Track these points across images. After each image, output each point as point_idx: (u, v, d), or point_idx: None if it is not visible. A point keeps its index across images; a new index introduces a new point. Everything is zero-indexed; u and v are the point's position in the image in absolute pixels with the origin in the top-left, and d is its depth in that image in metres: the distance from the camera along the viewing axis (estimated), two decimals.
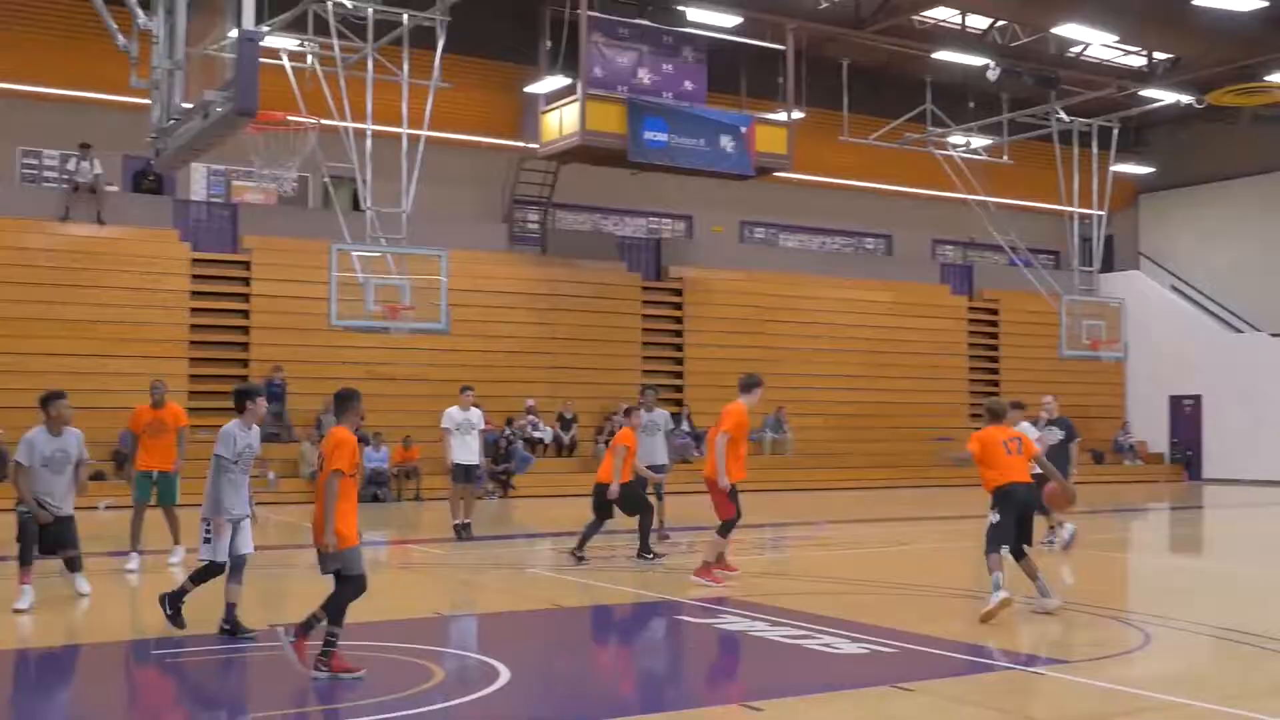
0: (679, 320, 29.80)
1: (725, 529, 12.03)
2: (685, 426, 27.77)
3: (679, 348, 29.64)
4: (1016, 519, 10.36)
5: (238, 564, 8.83)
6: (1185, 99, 28.12)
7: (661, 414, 16.87)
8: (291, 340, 24.65)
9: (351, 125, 20.54)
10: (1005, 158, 30.04)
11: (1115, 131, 28.20)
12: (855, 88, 28.88)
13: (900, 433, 30.83)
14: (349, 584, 7.59)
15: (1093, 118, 28.32)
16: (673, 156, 25.37)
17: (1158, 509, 26.05)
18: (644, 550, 13.35)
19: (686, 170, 26.28)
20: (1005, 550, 10.22)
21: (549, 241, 28.94)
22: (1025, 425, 15.16)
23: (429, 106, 20.92)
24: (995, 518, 10.45)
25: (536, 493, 24.00)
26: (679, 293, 29.92)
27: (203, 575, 8.86)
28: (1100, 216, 28.24)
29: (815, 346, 30.92)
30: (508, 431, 24.58)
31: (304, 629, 7.66)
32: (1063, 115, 28.06)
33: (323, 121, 20.45)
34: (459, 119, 27.09)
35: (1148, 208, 37.63)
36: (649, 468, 16.05)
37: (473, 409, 15.68)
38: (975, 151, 29.91)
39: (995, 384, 34.12)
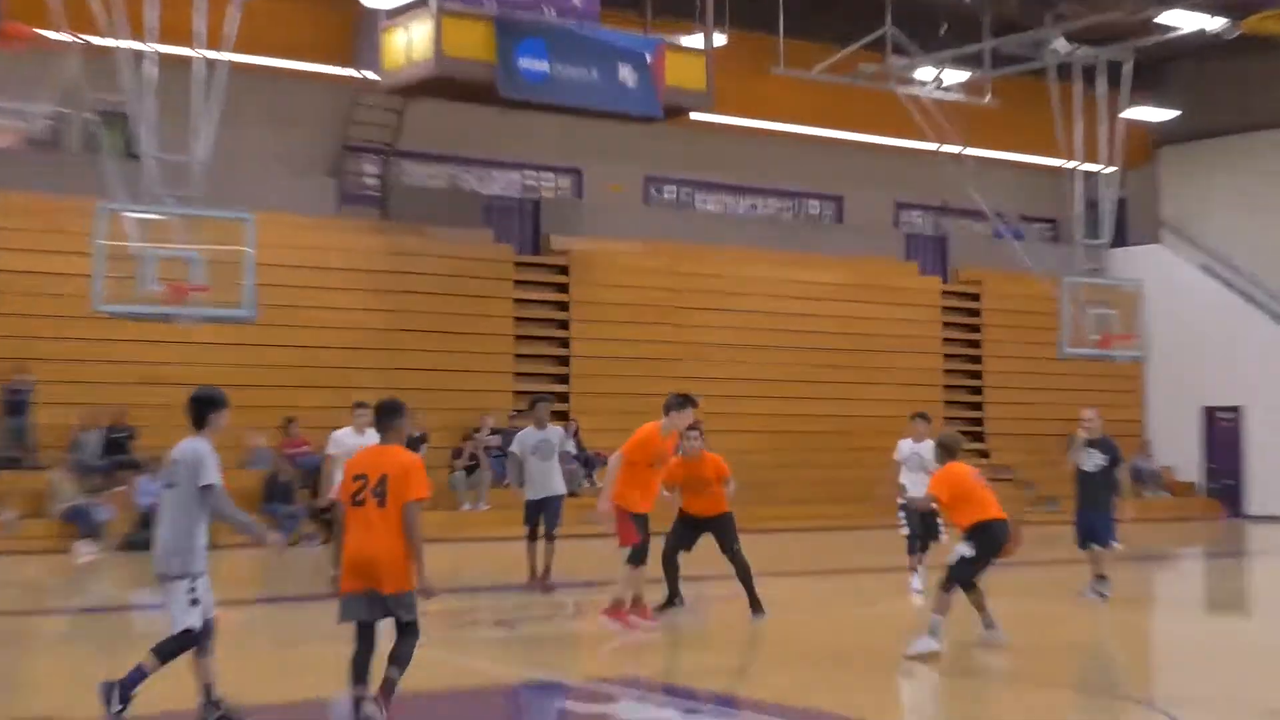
0: (563, 307, 29.84)
1: (635, 556, 13.02)
2: (571, 447, 27.78)
3: (563, 343, 29.68)
4: (989, 558, 12.20)
5: (209, 629, 9.13)
6: (1215, 25, 28.76)
7: (556, 431, 17.33)
8: (41, 330, 24.18)
9: (127, 44, 20.20)
10: (988, 98, 30.52)
11: (1129, 66, 28.80)
12: (794, 5, 29.17)
13: (854, 456, 31.14)
14: (414, 630, 8.83)
15: (1100, 47, 28.90)
16: (556, 92, 25.35)
17: (1188, 556, 26.67)
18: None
19: (574, 110, 26.26)
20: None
21: (392, 202, 28.75)
22: (921, 447, 16.71)
23: (232, 21, 20.65)
24: (969, 552, 12.16)
25: None
26: (564, 271, 29.95)
27: (176, 648, 8.99)
28: (1111, 174, 28.84)
29: (742, 342, 31.15)
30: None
31: (388, 694, 8.71)
32: (1062, 44, 28.60)
33: (87, 39, 20.07)
34: (272, 39, 26.76)
35: (1171, 163, 38.52)
36: (540, 500, 16.20)
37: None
38: (949, 89, 30.34)
39: (977, 391, 34.68)
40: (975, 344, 34.97)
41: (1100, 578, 16.29)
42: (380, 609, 8.73)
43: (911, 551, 16.88)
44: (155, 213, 20.30)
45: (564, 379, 29.48)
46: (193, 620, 8.95)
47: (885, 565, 18.59)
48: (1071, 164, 28.84)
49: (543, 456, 16.96)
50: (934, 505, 12.92)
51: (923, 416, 17.68)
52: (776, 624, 14.18)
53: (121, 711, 8.82)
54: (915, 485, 16.81)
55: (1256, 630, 15.25)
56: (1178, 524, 32.33)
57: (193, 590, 8.93)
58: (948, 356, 34.40)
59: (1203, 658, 12.65)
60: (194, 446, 9.11)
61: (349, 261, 27.31)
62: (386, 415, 9.16)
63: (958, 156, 29.58)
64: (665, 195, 33.17)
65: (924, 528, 16.80)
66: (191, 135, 20.56)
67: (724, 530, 14.32)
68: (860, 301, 32.86)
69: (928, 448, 16.62)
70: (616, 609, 13.15)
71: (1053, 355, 29.17)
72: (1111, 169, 28.79)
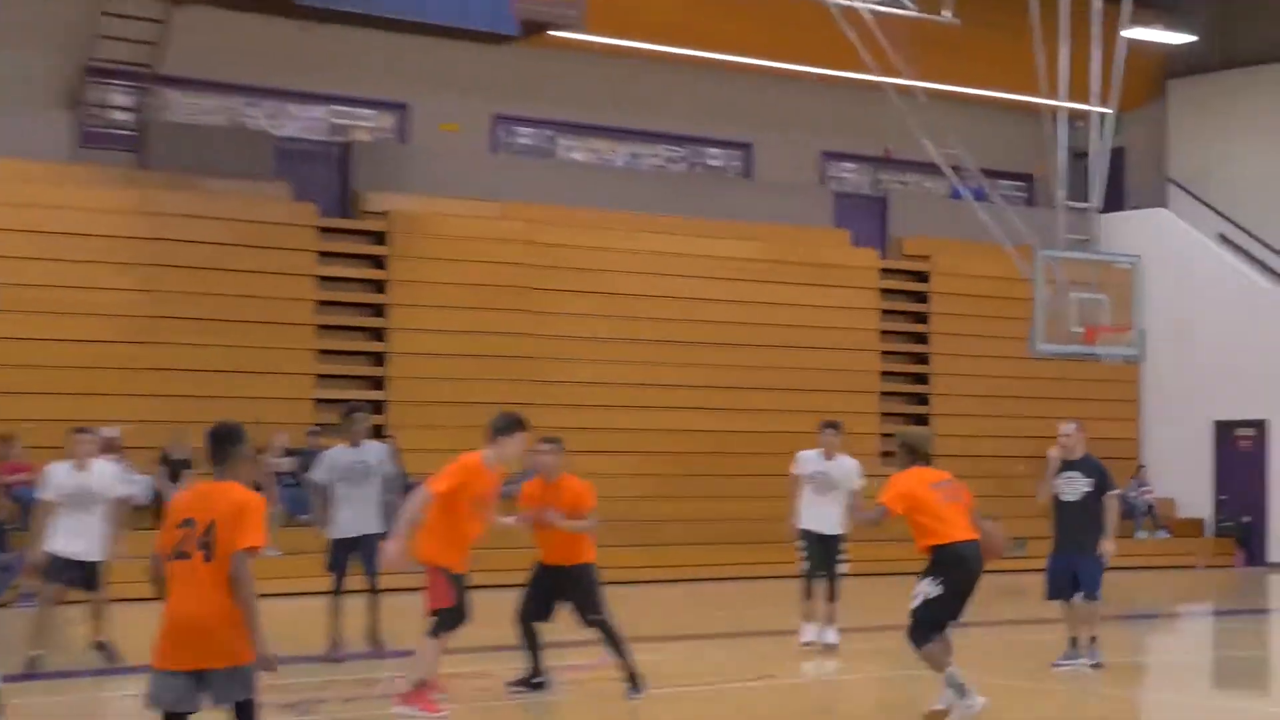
0: (379, 286, 29.89)
1: (441, 626, 13.18)
2: (391, 469, 27.83)
3: (378, 334, 29.71)
4: (963, 593, 12.79)
5: None
6: None
7: (375, 449, 17.72)
8: None
9: None
10: (946, 14, 30.85)
11: None
12: None
13: (761, 484, 31.44)
14: (251, 713, 9.11)
15: None
16: None
17: (1194, 614, 27.24)
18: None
19: (398, 24, 26.32)
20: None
21: (151, 144, 28.61)
22: (831, 465, 18.10)
23: None
24: (934, 590, 12.69)
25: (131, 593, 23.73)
26: (381, 238, 30.00)
27: None
28: (1105, 117, 29.29)
29: (617, 335, 31.34)
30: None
31: None
32: None
33: None
34: None
35: (1182, 102, 39.15)
36: (351, 540, 16.62)
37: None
38: (896, 3, 30.65)
39: (922, 400, 35.13)
40: (921, 337, 35.48)
41: (1077, 641, 16.75)
42: (206, 692, 8.84)
43: (808, 596, 17.87)
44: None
45: (379, 382, 29.50)
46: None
47: (791, 624, 18.83)
48: (1053, 103, 29.26)
49: (354, 483, 17.03)
50: (882, 519, 13.46)
51: (833, 426, 18.72)
52: (660, 702, 14.38)
53: None
54: (820, 510, 17.99)
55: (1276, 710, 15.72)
56: (1178, 572, 32.99)
57: None
58: (886, 354, 34.86)
59: None
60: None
61: (91, 223, 27.14)
62: (220, 443, 9.33)
63: (905, 91, 29.87)
64: (519, 140, 33.27)
65: (825, 557, 17.83)
66: None
67: (582, 590, 14.52)
68: (774, 282, 33.18)
69: (840, 466, 18.18)
70: (418, 693, 13.25)
71: (1022, 352, 29.47)
72: (1106, 110, 29.23)
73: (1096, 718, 15.17)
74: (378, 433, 28.71)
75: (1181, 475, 36.50)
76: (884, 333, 34.81)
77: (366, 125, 31.62)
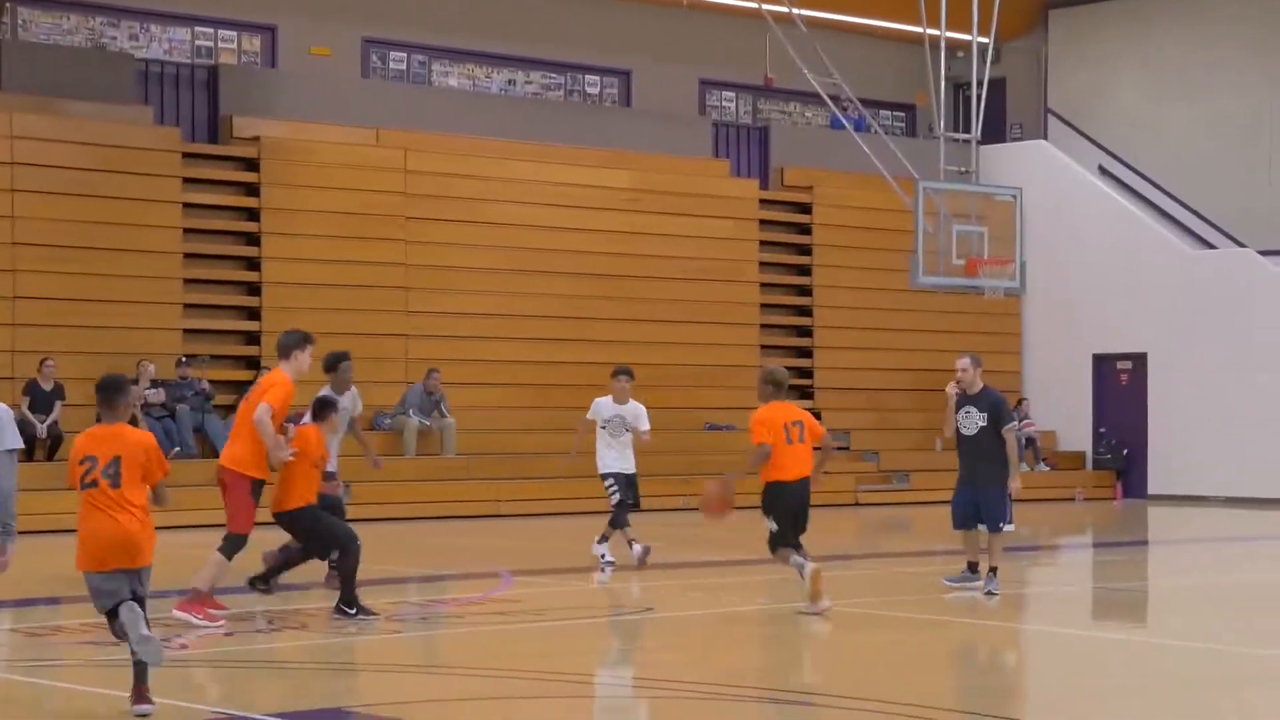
0: (252, 214, 29.55)
1: (232, 545, 14.94)
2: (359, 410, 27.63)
3: (254, 263, 29.37)
4: (792, 520, 15.40)
5: None
6: None
7: (352, 394, 17.76)
8: None
9: None
10: None
11: None
12: None
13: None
14: None
15: None
16: None
17: (1074, 547, 27.50)
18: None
19: None
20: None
21: (7, 64, 28.14)
22: (625, 409, 20.06)
23: None
24: (773, 526, 15.41)
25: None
26: (252, 165, 29.65)
27: None
28: (985, 46, 29.36)
29: (491, 265, 31.19)
30: None
31: None
32: None
33: None
34: None
35: (1063, 32, 39.38)
36: None
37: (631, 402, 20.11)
38: None
39: (805, 332, 35.20)
40: (804, 269, 35.51)
41: (975, 566, 17.48)
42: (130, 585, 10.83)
43: (617, 524, 19.80)
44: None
45: (254, 313, 29.19)
46: None
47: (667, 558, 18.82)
48: (933, 31, 29.28)
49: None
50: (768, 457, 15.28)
51: (625, 372, 20.40)
52: (537, 634, 14.29)
53: None
54: (618, 453, 19.81)
55: (1141, 645, 15.79)
56: (1059, 505, 33.31)
57: None
58: (766, 286, 34.87)
59: (1088, 679, 13.08)
60: None
61: None
62: (110, 393, 11.19)
63: (785, 20, 29.80)
64: (391, 65, 32.98)
65: (632, 491, 19.92)
66: None
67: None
68: (652, 213, 33.10)
69: (633, 410, 20.00)
70: (196, 601, 14.71)
71: (904, 284, 29.68)
72: (985, 40, 29.30)
73: (985, 647, 15.18)
74: (254, 365, 28.51)
75: (1062, 409, 36.84)
76: (764, 264, 34.76)
77: (232, 48, 31.20)
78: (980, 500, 17.13)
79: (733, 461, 30.80)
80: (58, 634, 14.82)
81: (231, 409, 27.62)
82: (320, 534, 15.31)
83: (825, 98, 31.01)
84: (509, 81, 34.26)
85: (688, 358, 32.59)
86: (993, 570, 17.14)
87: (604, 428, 20.05)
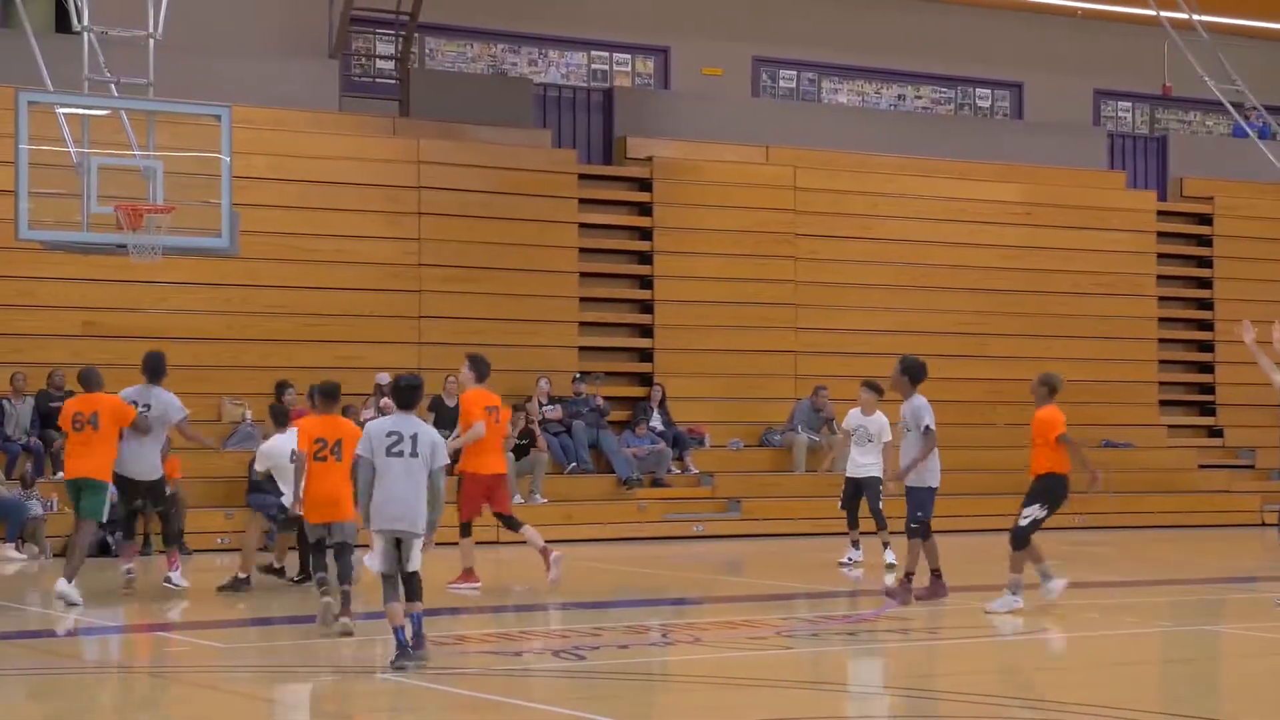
0: (643, 233, 29.92)
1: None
2: (658, 418, 27.96)
3: (644, 282, 29.70)
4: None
5: None
6: None
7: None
8: None
9: None
10: None
11: None
12: None
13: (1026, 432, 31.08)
14: None
15: None
16: None
17: None
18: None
19: None
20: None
21: (414, 94, 28.90)
22: (869, 420, 21.36)
23: None
24: (1041, 514, 17.13)
25: None
26: (644, 184, 30.03)
27: None
28: None
29: (883, 282, 31.11)
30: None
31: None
32: None
33: None
34: None
35: None
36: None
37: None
38: None
39: (1206, 346, 34.34)
40: (1205, 282, 34.67)
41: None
42: None
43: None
44: (97, 105, 20.42)
45: (646, 330, 29.53)
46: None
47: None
48: None
49: None
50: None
51: (873, 386, 21.20)
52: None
53: None
54: (859, 458, 21.12)
55: None
56: None
57: None
58: (1165, 300, 34.13)
59: None
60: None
61: (355, 173, 27.48)
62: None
63: (1183, 26, 29.23)
64: (781, 83, 33.11)
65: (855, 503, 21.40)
66: (145, 4, 20.67)
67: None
68: (1046, 227, 32.67)
69: (876, 421, 20.95)
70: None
71: None
72: None
73: None
74: (645, 382, 28.89)
75: None
76: (1162, 278, 34.04)
77: (627, 70, 31.64)
78: None
79: (1131, 479, 30.64)
80: (462, 643, 15.21)
81: (625, 425, 28.11)
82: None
83: (1227, 105, 30.32)
84: (899, 97, 34.17)
85: (1085, 373, 32.02)
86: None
87: (851, 437, 21.63)
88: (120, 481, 17.66)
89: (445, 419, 26.63)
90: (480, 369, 19.13)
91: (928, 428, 17.86)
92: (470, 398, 19.04)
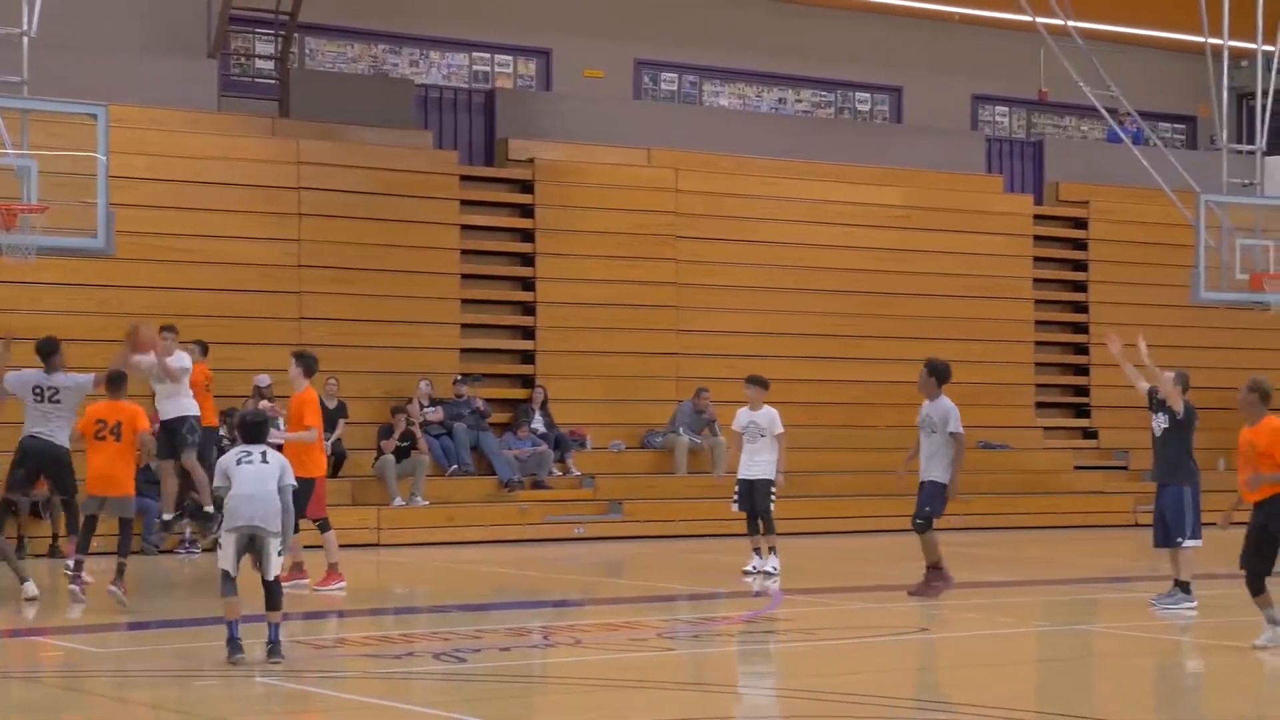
0: (525, 235, 29.89)
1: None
2: (539, 420, 27.96)
3: (528, 283, 29.69)
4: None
5: None
6: None
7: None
8: None
9: None
10: None
11: None
12: None
13: (911, 435, 31.27)
14: None
15: None
16: None
17: None
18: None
19: None
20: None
21: (294, 94, 28.75)
22: (758, 415, 20.92)
23: None
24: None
25: None
26: (526, 186, 30.00)
27: None
28: (1269, 54, 28.77)
29: (764, 284, 31.16)
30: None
31: None
32: None
33: None
34: None
35: None
36: None
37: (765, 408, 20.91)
38: None
39: (1081, 349, 34.66)
40: (1080, 285, 35.00)
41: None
42: None
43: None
44: None
45: (528, 332, 29.51)
46: None
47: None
48: (1216, 41, 28.78)
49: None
50: None
51: (757, 381, 21.06)
52: (812, 654, 14.26)
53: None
54: (750, 458, 20.76)
55: None
56: None
57: None
58: (1041, 303, 34.42)
59: None
60: None
61: (233, 172, 27.29)
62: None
63: (1059, 32, 29.48)
64: (663, 85, 33.17)
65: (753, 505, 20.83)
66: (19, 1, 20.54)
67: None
68: (924, 230, 32.86)
69: (765, 415, 20.80)
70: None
71: (1184, 301, 29.18)
72: (1271, 48, 28.73)
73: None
74: (527, 383, 28.87)
75: None
76: (1039, 281, 34.34)
77: (509, 72, 31.62)
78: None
79: (1005, 480, 30.92)
80: (341, 645, 15.14)
81: (506, 427, 28.10)
82: None
83: (1102, 111, 30.59)
84: (779, 100, 34.30)
85: (961, 376, 31.93)
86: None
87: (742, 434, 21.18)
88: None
89: (326, 422, 26.51)
90: (309, 365, 19.25)
91: (955, 431, 18.35)
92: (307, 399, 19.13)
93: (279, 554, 13.26)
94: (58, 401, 18.17)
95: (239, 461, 13.28)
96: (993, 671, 14.28)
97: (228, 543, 13.27)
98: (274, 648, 13.24)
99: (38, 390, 18.23)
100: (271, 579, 13.26)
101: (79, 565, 17.50)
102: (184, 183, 26.74)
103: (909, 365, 31.57)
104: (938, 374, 18.57)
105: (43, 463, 18.34)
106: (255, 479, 13.22)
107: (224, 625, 13.31)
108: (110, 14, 27.47)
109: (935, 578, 18.44)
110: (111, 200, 20.47)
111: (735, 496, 21.18)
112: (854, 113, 35.05)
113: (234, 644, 13.14)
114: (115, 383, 17.68)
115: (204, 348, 21.88)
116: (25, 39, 20.48)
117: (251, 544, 13.19)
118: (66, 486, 18.68)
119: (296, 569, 18.88)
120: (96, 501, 17.48)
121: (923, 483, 18.54)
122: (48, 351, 18.43)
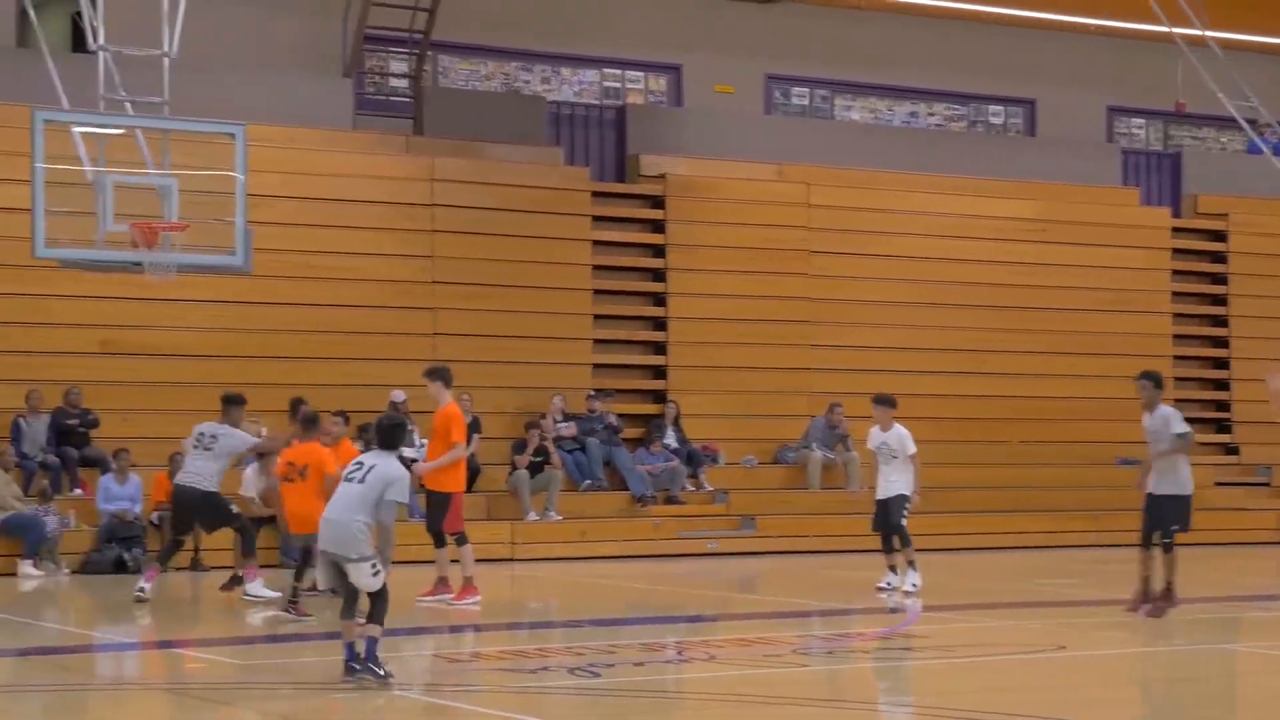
0: (656, 250, 29.93)
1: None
2: (672, 435, 27.93)
3: (659, 299, 29.73)
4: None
5: None
6: None
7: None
8: None
9: None
10: None
11: None
12: None
13: (1056, 450, 31.09)
14: None
15: None
16: None
17: None
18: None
19: None
20: None
21: (428, 112, 28.96)
22: (889, 436, 20.51)
23: None
24: None
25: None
26: (657, 202, 30.04)
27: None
28: None
29: (896, 299, 31.09)
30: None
31: None
32: None
33: None
34: None
35: None
36: None
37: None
38: None
39: (1222, 363, 34.28)
40: (1220, 299, 34.64)
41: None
42: None
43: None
44: (112, 124, 20.49)
45: (659, 347, 29.54)
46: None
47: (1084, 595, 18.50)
48: None
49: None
50: None
51: (882, 400, 20.91)
52: (957, 669, 14.19)
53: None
54: (885, 479, 20.46)
55: None
56: None
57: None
58: (1180, 317, 34.10)
59: None
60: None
61: (368, 190, 27.54)
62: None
63: (1197, 42, 29.20)
64: (795, 100, 33.16)
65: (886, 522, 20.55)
66: (161, 24, 20.72)
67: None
68: (1059, 244, 32.66)
69: (895, 435, 20.42)
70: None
71: None
72: None
73: None
74: (659, 399, 28.89)
75: None
76: (1176, 294, 33.99)
77: (640, 88, 31.69)
78: None
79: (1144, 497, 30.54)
80: (477, 660, 15.18)
81: (639, 442, 28.12)
82: None
83: (1241, 121, 30.30)
84: (911, 113, 34.20)
85: (1099, 391, 31.97)
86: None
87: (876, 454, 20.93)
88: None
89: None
90: (447, 378, 19.46)
91: (1181, 434, 18.27)
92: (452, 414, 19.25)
93: (373, 574, 12.83)
94: (210, 449, 18.77)
95: (346, 478, 13.16)
96: (1130, 690, 14.14)
97: (321, 563, 13.37)
98: (356, 665, 12.88)
99: (199, 436, 18.93)
100: (369, 592, 13.02)
101: (294, 593, 17.74)
102: (320, 200, 27.00)
103: (1045, 380, 31.60)
104: (1155, 379, 18.22)
105: (190, 510, 19.03)
106: (341, 504, 12.94)
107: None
108: (248, 36, 27.81)
109: (1166, 597, 18.14)
110: (249, 218, 20.67)
111: (873, 517, 21.05)
112: (987, 126, 34.88)
113: (348, 666, 12.98)
114: (308, 425, 18.21)
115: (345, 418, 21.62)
116: (166, 60, 20.72)
117: (338, 567, 13.04)
118: (219, 524, 19.67)
119: (442, 584, 19.08)
120: (298, 538, 18.14)
121: (1158, 497, 18.32)
122: (229, 402, 19.17)
